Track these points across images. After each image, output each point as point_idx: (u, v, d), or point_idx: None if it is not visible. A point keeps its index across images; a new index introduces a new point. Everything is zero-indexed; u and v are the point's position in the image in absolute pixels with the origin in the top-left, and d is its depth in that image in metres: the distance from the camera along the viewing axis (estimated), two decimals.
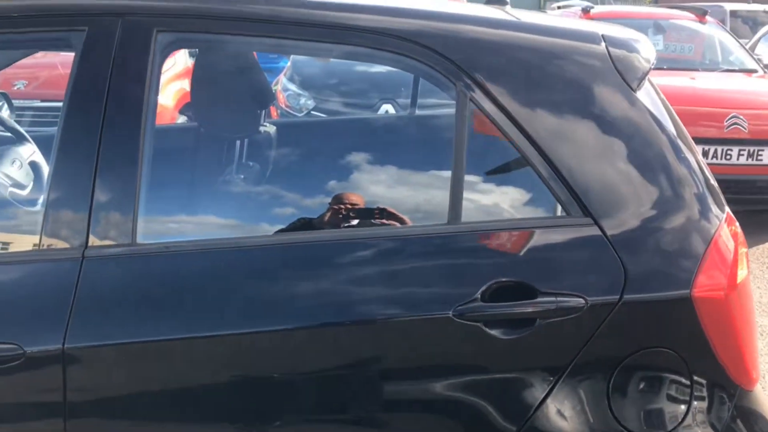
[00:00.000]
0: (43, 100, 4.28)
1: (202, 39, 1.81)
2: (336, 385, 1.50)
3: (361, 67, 5.02)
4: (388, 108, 4.70)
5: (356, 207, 1.83)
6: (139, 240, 1.48)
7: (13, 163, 2.27)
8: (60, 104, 1.54)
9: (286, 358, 1.48)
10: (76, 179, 1.49)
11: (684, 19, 6.85)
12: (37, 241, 1.50)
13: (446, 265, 1.51)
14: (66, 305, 1.43)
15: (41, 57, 4.37)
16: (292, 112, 5.17)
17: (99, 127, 1.48)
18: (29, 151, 2.35)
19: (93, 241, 1.46)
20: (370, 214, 1.81)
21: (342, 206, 1.80)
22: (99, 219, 1.47)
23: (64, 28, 1.60)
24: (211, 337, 1.46)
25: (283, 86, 5.36)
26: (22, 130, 2.42)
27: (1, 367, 1.41)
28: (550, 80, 1.56)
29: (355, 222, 1.77)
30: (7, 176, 2.20)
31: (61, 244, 1.48)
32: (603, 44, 1.60)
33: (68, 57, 1.64)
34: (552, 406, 1.49)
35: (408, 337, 1.49)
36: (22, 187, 2.23)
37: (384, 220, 1.72)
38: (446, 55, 1.53)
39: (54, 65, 4.53)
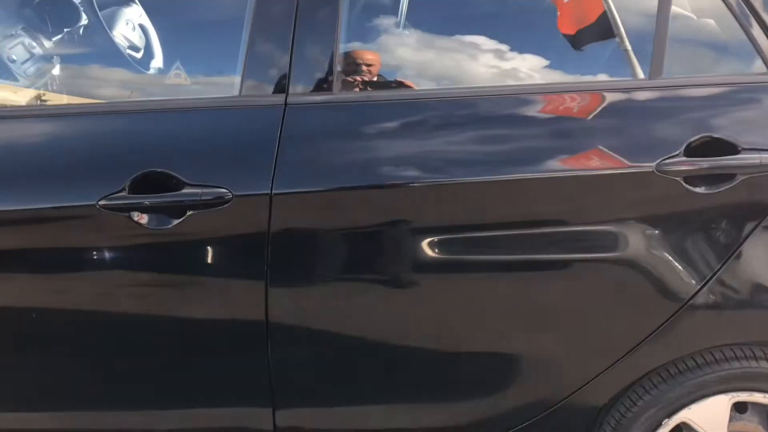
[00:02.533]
0: None
1: None
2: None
3: None
4: None
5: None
6: (335, 90, 1.50)
7: (126, 24, 2.16)
8: None
9: None
10: (278, 30, 1.47)
11: None
12: (237, 91, 1.48)
13: (649, 121, 1.49)
14: (272, 152, 1.42)
15: None
16: None
17: None
18: (137, 13, 2.22)
19: (294, 90, 1.45)
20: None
21: None
22: (300, 69, 1.46)
23: None
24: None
25: None
26: None
27: (211, 210, 1.41)
28: None
29: None
30: (125, 38, 2.10)
31: (263, 93, 1.47)
32: None
33: None
34: (747, 254, 1.49)
35: (610, 190, 1.46)
36: (137, 49, 2.12)
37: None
38: None
39: None
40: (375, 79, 1.69)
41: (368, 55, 1.74)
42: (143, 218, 1.43)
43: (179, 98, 1.66)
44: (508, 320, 1.54)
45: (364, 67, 1.71)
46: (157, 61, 2.20)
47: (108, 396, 1.60)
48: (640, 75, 1.55)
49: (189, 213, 1.42)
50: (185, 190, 1.41)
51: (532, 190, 1.45)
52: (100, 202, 1.41)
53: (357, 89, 1.62)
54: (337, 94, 1.49)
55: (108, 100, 1.74)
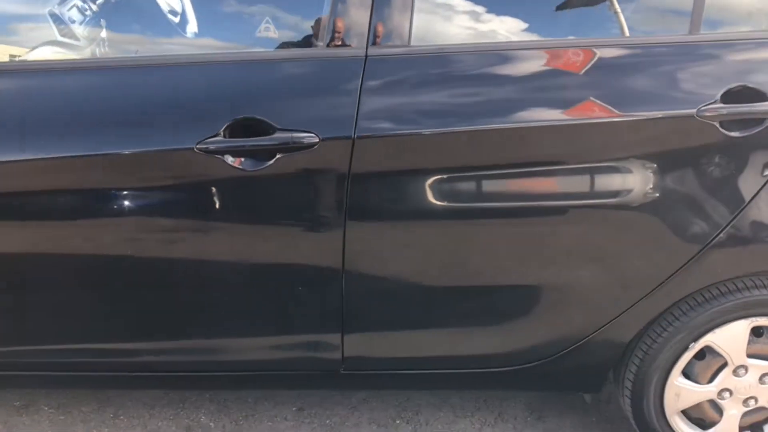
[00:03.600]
0: None
1: None
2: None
3: None
4: None
5: None
6: (413, 43, 1.64)
7: None
8: None
9: None
10: None
11: None
12: (322, 44, 1.63)
13: (691, 70, 1.67)
14: (354, 99, 1.56)
15: None
16: None
17: None
18: None
19: (373, 42, 1.61)
20: None
21: None
22: (378, 24, 1.61)
23: None
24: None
25: None
26: None
27: (298, 153, 1.56)
28: None
29: None
30: (165, 1, 2.19)
31: (345, 46, 1.61)
32: None
33: None
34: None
35: (655, 133, 1.61)
36: (175, 14, 2.21)
37: None
38: None
39: None
40: None
41: None
42: (237, 161, 1.56)
43: (270, 50, 1.78)
44: (547, 257, 1.70)
45: None
46: (193, 26, 2.32)
47: (201, 326, 1.76)
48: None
49: (278, 156, 1.56)
50: (276, 135, 1.55)
51: (587, 133, 1.61)
52: (197, 146, 1.54)
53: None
54: (412, 47, 1.62)
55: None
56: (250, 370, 1.87)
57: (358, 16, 1.60)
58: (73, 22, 2.14)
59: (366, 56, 1.59)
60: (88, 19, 2.29)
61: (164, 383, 2.03)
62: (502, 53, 1.66)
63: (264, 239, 1.66)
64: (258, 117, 1.55)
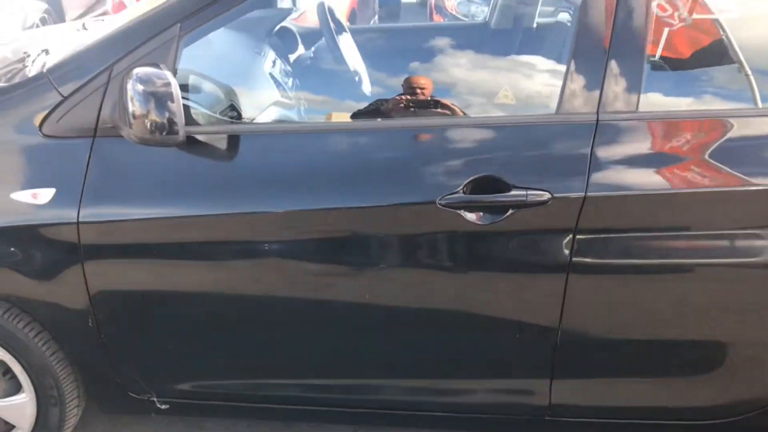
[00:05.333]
0: None
1: None
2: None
3: None
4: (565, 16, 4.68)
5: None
6: (641, 108, 1.72)
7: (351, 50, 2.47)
8: None
9: None
10: (593, 58, 1.70)
11: None
12: (554, 110, 1.73)
13: None
14: (585, 160, 1.67)
15: None
16: (460, 17, 5.24)
17: (612, 17, 1.69)
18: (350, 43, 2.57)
19: (604, 108, 1.70)
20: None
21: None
22: (609, 91, 1.70)
23: None
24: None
25: None
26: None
27: (531, 209, 1.68)
28: None
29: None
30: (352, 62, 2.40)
31: (578, 111, 1.71)
32: None
33: None
34: None
35: None
36: (356, 74, 2.42)
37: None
38: None
39: None
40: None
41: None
42: (473, 215, 1.69)
43: (508, 114, 1.93)
44: (755, 312, 1.75)
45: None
46: (367, 86, 2.50)
47: (412, 366, 1.89)
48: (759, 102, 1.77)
49: (511, 211, 1.69)
50: (512, 192, 1.67)
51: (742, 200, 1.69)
52: (439, 201, 1.68)
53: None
54: (641, 112, 1.72)
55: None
56: (453, 411, 1.97)
57: (589, 83, 1.71)
58: (281, 83, 2.35)
59: (597, 121, 1.70)
60: (290, 79, 2.50)
61: (361, 419, 2.16)
62: (725, 120, 1.75)
63: (489, 288, 1.77)
64: (495, 175, 1.68)
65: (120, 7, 5.48)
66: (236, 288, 1.81)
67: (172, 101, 1.58)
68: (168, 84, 1.59)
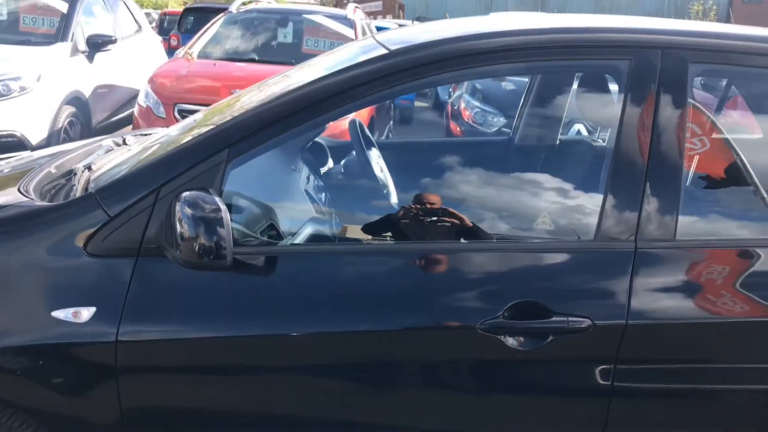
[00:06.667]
0: None
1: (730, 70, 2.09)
2: None
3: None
4: (579, 128, 4.79)
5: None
6: (679, 237, 1.74)
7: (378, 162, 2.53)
8: None
9: None
10: (630, 186, 1.74)
11: None
12: (592, 236, 1.75)
13: None
14: (625, 288, 1.69)
15: None
16: (477, 127, 5.38)
17: (648, 144, 1.74)
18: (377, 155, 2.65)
19: (642, 235, 1.72)
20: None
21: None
22: (647, 219, 1.73)
23: (611, 57, 1.85)
24: None
25: (467, 103, 5.58)
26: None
27: (571, 335, 1.70)
28: None
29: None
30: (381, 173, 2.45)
31: (616, 239, 1.73)
32: None
33: None
34: None
35: None
36: (385, 186, 2.46)
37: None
38: None
39: None
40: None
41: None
42: (513, 340, 1.69)
43: (548, 240, 1.96)
44: None
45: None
46: (395, 198, 2.54)
47: None
48: None
49: (551, 337, 1.68)
50: (553, 318, 1.67)
51: None
52: (479, 325, 1.68)
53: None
54: (678, 240, 1.74)
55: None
56: None
57: (627, 211, 1.74)
58: (315, 199, 2.40)
59: (636, 249, 1.72)
60: (323, 194, 2.55)
61: None
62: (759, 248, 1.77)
63: (530, 414, 1.75)
64: (536, 300, 1.69)
65: (146, 112, 5.67)
66: (274, 410, 1.79)
67: (222, 227, 1.61)
68: (218, 209, 1.62)
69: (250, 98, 2.19)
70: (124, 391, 1.75)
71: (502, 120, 5.41)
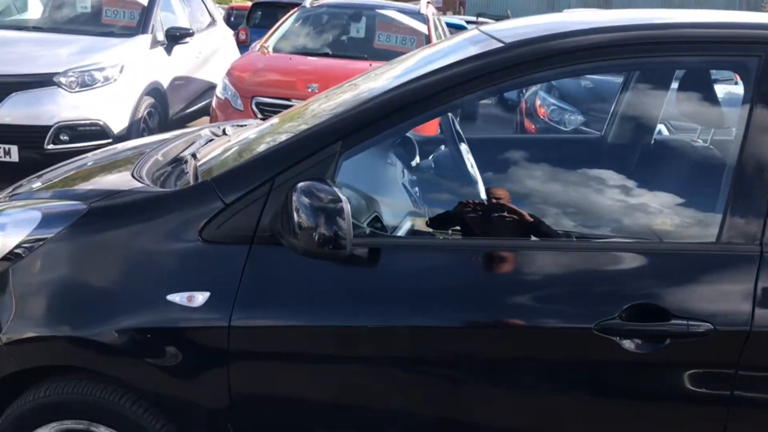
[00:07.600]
0: None
1: None
2: None
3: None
4: (661, 128, 4.68)
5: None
6: None
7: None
8: None
9: None
10: (755, 189, 1.68)
11: None
12: (715, 238, 1.70)
13: None
14: (750, 293, 1.63)
15: None
16: (554, 125, 5.29)
17: None
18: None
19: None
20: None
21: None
22: None
23: (739, 53, 1.79)
24: None
25: (543, 100, 5.50)
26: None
27: (690, 339, 1.63)
28: None
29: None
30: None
31: (740, 242, 1.67)
32: None
33: None
34: None
35: None
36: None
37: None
38: None
39: None
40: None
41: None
42: (629, 343, 1.65)
43: (668, 241, 1.91)
44: None
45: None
46: (484, 194, 2.51)
47: None
48: None
49: (668, 341, 1.64)
50: (672, 321, 1.63)
51: None
52: (594, 326, 1.65)
53: None
54: None
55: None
56: None
57: (752, 214, 1.68)
58: (412, 194, 2.39)
59: (761, 253, 1.66)
60: (416, 189, 2.54)
61: None
62: None
63: (646, 419, 1.71)
64: (655, 303, 1.64)
65: (224, 104, 5.77)
66: (379, 401, 1.79)
67: (342, 218, 1.62)
68: (338, 200, 1.63)
69: (351, 92, 2.20)
70: (234, 376, 1.77)
71: (579, 118, 5.31)
